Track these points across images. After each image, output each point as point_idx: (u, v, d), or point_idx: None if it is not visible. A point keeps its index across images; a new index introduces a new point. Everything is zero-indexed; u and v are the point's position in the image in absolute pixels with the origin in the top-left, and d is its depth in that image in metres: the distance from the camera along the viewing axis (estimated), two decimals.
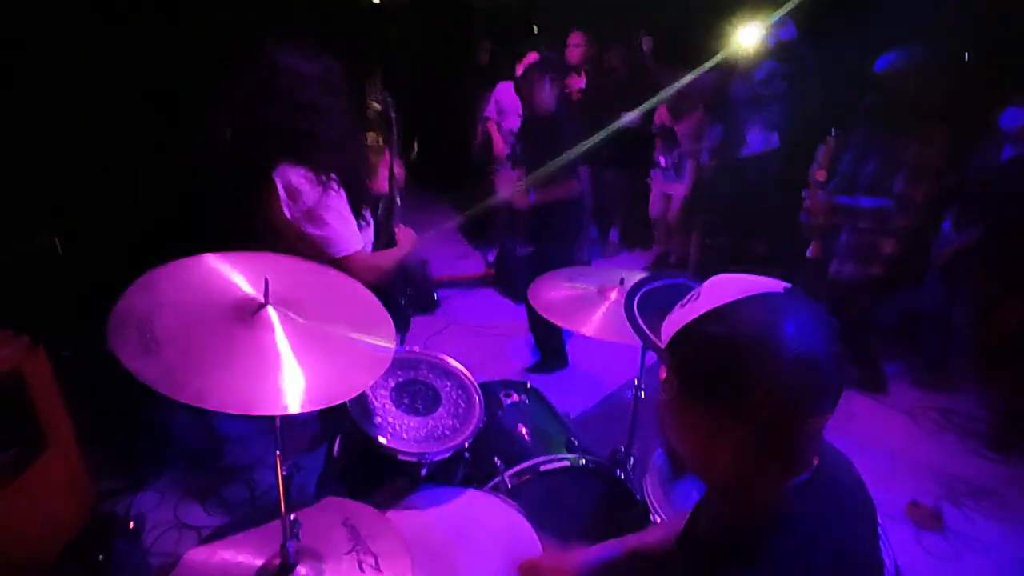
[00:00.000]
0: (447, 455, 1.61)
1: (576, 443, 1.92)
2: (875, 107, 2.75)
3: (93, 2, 2.63)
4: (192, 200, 2.36)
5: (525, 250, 4.68)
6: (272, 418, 1.16)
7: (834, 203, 2.76)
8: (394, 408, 1.67)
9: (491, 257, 4.92)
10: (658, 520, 1.67)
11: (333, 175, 1.69)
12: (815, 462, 0.76)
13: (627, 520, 1.75)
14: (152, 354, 1.01)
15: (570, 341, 3.46)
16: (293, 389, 1.04)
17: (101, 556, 2.08)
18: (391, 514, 1.48)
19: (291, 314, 1.15)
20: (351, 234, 1.74)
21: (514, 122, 4.56)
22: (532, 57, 4.45)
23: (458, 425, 1.67)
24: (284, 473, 1.17)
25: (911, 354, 3.53)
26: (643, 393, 1.92)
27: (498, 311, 4.14)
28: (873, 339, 3.34)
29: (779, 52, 3.71)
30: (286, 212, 1.68)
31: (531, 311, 3.26)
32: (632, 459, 1.95)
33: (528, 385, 2.13)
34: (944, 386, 3.29)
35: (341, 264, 1.72)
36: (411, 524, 1.46)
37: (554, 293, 1.88)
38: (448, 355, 1.88)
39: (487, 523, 1.52)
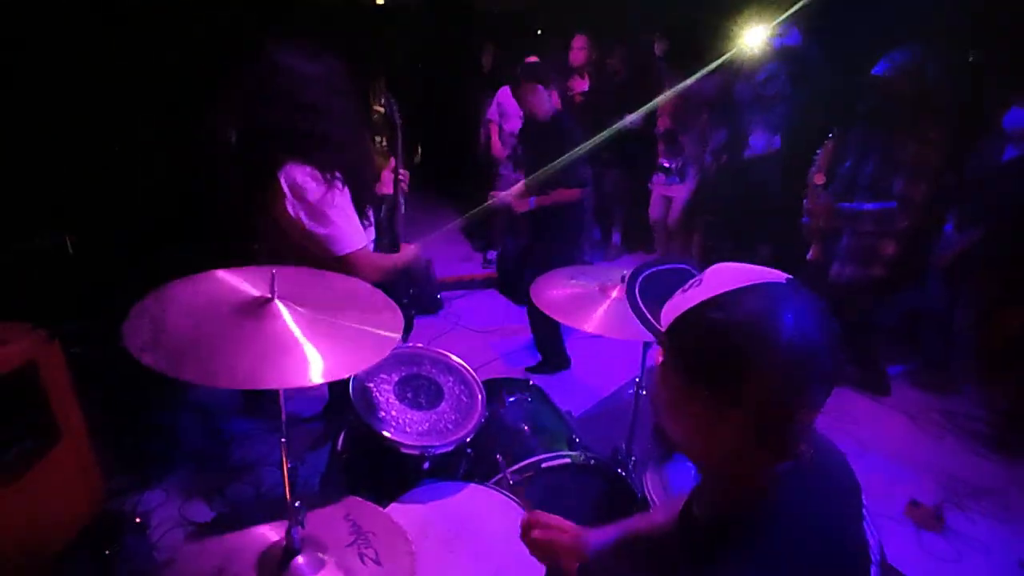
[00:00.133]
0: (449, 449, 1.64)
1: (578, 440, 1.94)
2: (873, 107, 2.77)
3: (95, 3, 2.67)
4: (196, 199, 2.41)
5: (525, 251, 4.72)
6: (278, 414, 1.19)
7: (836, 208, 2.78)
8: (397, 403, 1.70)
9: (491, 255, 4.97)
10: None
11: (337, 173, 1.72)
12: (803, 448, 0.77)
13: (627, 517, 1.77)
14: (162, 346, 1.04)
15: (572, 342, 3.47)
16: (314, 362, 1.08)
17: (108, 550, 2.12)
18: (393, 507, 1.50)
19: (297, 307, 1.18)
20: (354, 232, 1.77)
21: (515, 124, 4.59)
22: (534, 60, 4.50)
23: (460, 420, 1.70)
24: (289, 466, 1.20)
25: (913, 356, 3.53)
26: (644, 392, 1.94)
27: (501, 312, 4.16)
28: (875, 341, 3.35)
29: (781, 54, 3.73)
30: (290, 210, 1.71)
31: (532, 311, 3.29)
32: (633, 457, 1.97)
33: (531, 383, 2.15)
34: (946, 388, 3.29)
35: (344, 261, 1.76)
36: (413, 517, 1.48)
37: (556, 291, 1.90)
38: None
39: (488, 518, 1.54)
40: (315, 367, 1.07)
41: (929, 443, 2.94)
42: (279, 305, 1.17)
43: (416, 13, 5.58)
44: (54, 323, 1.92)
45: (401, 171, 2.27)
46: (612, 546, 1.07)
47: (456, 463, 1.73)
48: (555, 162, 2.99)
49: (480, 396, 1.78)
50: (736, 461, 0.75)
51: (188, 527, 2.29)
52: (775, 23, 3.68)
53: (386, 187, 2.29)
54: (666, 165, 4.41)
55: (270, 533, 1.24)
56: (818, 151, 2.77)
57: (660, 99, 4.23)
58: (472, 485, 1.61)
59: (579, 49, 4.53)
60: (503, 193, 3.28)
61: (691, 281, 0.77)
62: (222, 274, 1.25)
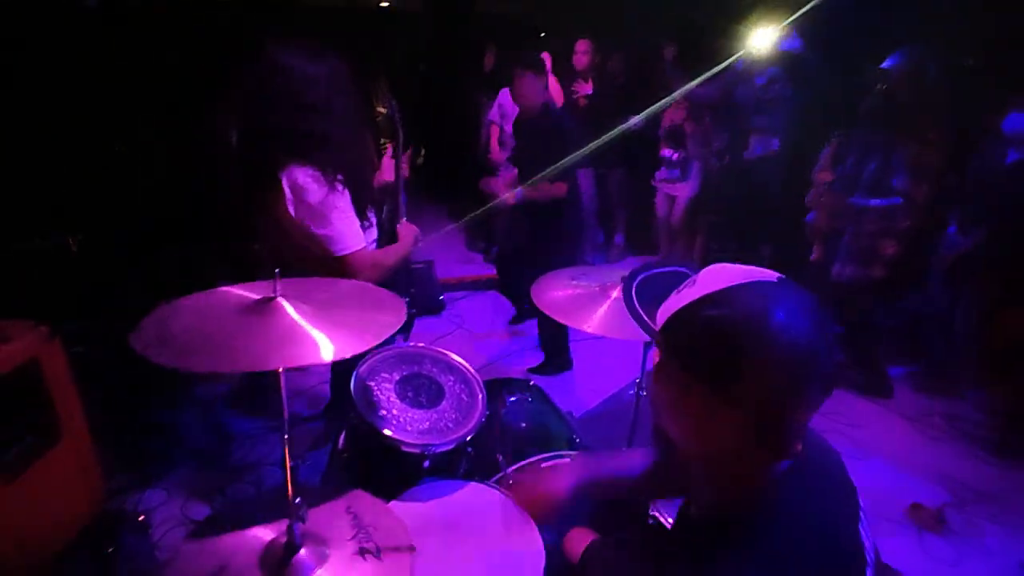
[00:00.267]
0: (450, 447, 1.64)
1: (578, 441, 1.94)
2: (874, 108, 2.78)
3: (101, 5, 2.69)
4: (197, 199, 2.42)
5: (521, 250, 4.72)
6: (279, 412, 1.19)
7: (846, 204, 2.78)
8: (398, 401, 1.70)
9: (495, 251, 4.98)
10: (658, 516, 1.69)
11: (339, 175, 1.73)
12: (799, 447, 0.77)
13: (627, 518, 1.77)
14: (168, 343, 1.05)
15: (573, 343, 3.47)
16: (323, 342, 1.10)
17: (110, 548, 2.13)
18: (393, 505, 1.50)
19: (300, 304, 1.19)
20: (353, 233, 1.78)
21: None
22: (545, 59, 4.51)
23: (461, 419, 1.70)
24: (291, 464, 1.21)
25: (916, 359, 3.52)
26: (644, 393, 1.94)
27: (503, 313, 4.17)
28: (877, 343, 3.35)
29: (783, 58, 3.75)
30: (291, 211, 1.72)
31: (538, 312, 3.29)
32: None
33: (531, 383, 2.15)
34: (949, 391, 3.28)
35: (343, 261, 1.76)
36: (413, 515, 1.48)
37: (557, 292, 1.90)
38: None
39: (488, 517, 1.54)
40: (324, 347, 1.09)
41: (931, 446, 2.94)
42: (282, 302, 1.18)
43: (419, 15, 5.60)
44: (56, 322, 1.93)
45: (402, 171, 2.28)
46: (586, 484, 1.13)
47: (456, 462, 1.73)
48: (544, 155, 3.00)
49: (481, 395, 1.78)
50: (734, 460, 0.76)
51: (190, 526, 2.30)
52: (778, 27, 3.70)
53: (387, 174, 2.29)
54: (667, 155, 4.41)
55: (271, 530, 1.24)
56: (823, 151, 2.79)
57: (663, 103, 4.24)
58: (472, 484, 1.61)
59: (582, 53, 4.55)
60: (494, 180, 3.29)
61: (686, 282, 0.78)
62: (225, 288, 1.27)
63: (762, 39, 3.76)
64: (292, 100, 1.68)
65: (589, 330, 1.72)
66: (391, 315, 1.25)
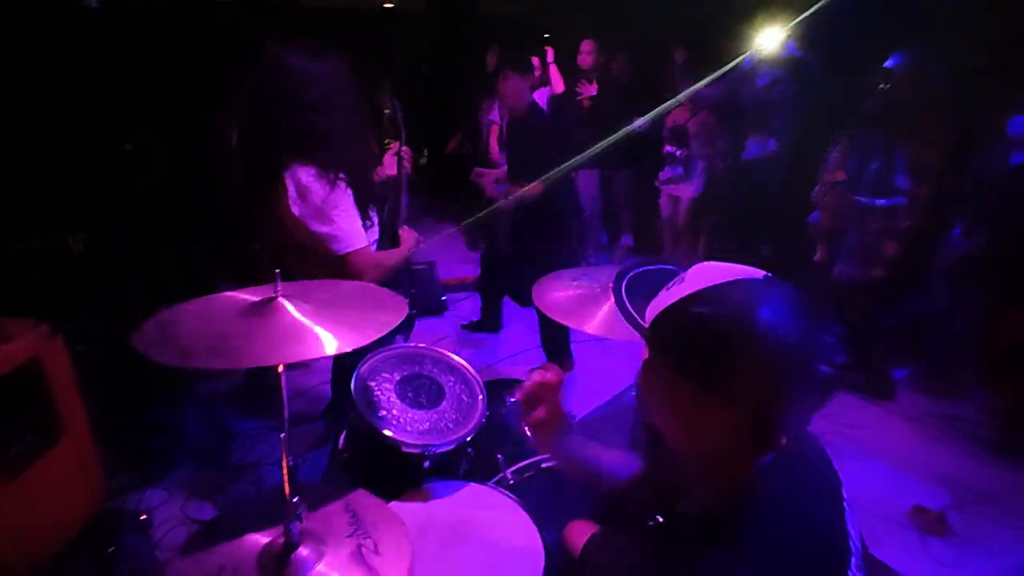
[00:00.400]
0: (450, 447, 1.64)
1: None
2: (875, 108, 2.78)
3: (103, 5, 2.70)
4: (198, 199, 2.42)
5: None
6: (279, 412, 1.19)
7: (853, 202, 2.78)
8: (399, 402, 1.70)
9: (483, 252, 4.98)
10: (658, 517, 1.68)
11: (341, 173, 1.73)
12: (783, 441, 0.78)
13: (628, 518, 1.76)
14: (170, 342, 1.05)
15: (575, 344, 3.47)
16: (326, 337, 1.10)
17: (111, 548, 2.13)
18: (393, 505, 1.50)
19: (302, 303, 1.19)
20: (356, 232, 1.78)
21: None
22: (535, 61, 4.51)
23: (461, 419, 1.70)
24: (290, 463, 1.21)
25: (917, 359, 3.51)
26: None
27: (506, 313, 4.17)
28: (879, 344, 3.34)
29: (785, 60, 3.75)
30: (295, 210, 1.72)
31: (540, 313, 3.29)
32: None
33: None
34: (951, 392, 3.27)
35: (345, 260, 1.77)
36: (412, 515, 1.48)
37: (558, 292, 1.90)
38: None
39: (488, 517, 1.53)
40: (327, 341, 1.10)
41: (932, 447, 2.93)
42: (283, 302, 1.18)
43: (422, 16, 5.61)
44: (58, 321, 1.94)
45: (404, 149, 2.29)
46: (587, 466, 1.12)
47: (456, 462, 1.73)
48: (530, 155, 3.04)
49: (481, 396, 1.78)
50: (722, 454, 0.76)
51: (191, 525, 2.30)
52: (782, 28, 3.70)
53: (389, 168, 2.30)
54: (670, 152, 4.41)
55: (270, 529, 1.24)
56: (832, 151, 2.78)
57: (668, 104, 4.24)
58: (472, 484, 1.61)
59: (587, 53, 4.55)
60: (485, 171, 3.30)
61: (674, 279, 0.79)
62: (227, 293, 1.27)
63: (766, 40, 3.76)
64: (293, 99, 1.69)
65: (590, 331, 1.72)
66: (392, 314, 1.25)
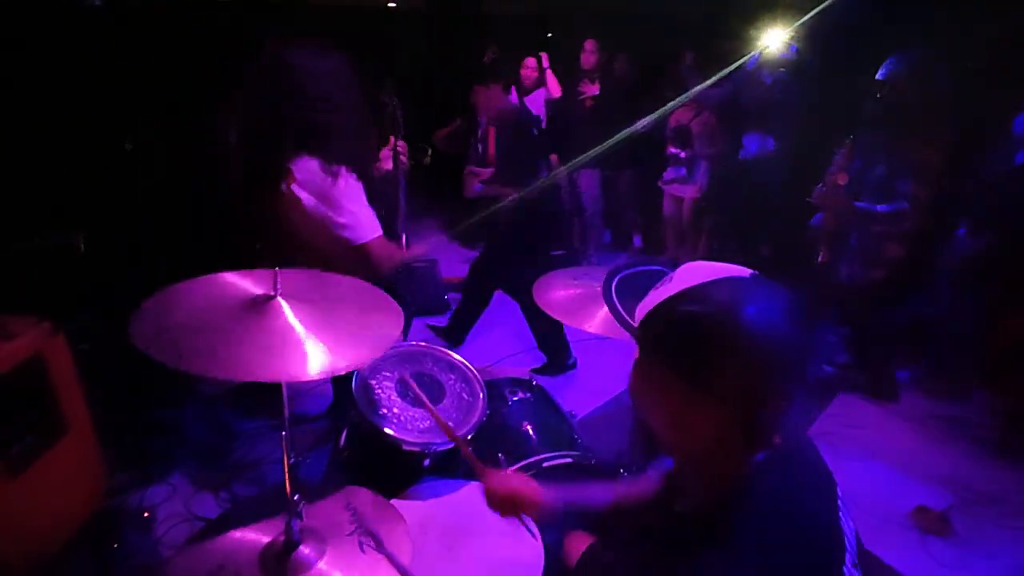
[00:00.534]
0: (451, 446, 1.64)
1: (579, 440, 1.94)
2: (877, 111, 2.77)
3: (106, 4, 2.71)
4: (201, 197, 2.43)
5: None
6: (281, 411, 1.20)
7: (853, 208, 2.78)
8: (399, 400, 1.71)
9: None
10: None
11: (348, 165, 1.75)
12: (776, 440, 0.78)
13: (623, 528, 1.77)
14: (165, 338, 1.05)
15: (576, 343, 3.47)
16: (317, 356, 1.09)
17: (114, 545, 2.14)
18: (394, 503, 1.50)
19: (300, 303, 1.19)
20: (371, 221, 1.80)
21: None
22: (532, 63, 4.51)
23: (462, 418, 1.70)
24: (291, 461, 1.21)
25: (922, 361, 3.50)
26: None
27: (508, 312, 4.17)
28: (883, 346, 3.33)
29: (787, 61, 3.75)
30: (306, 202, 1.73)
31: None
32: (636, 459, 1.96)
33: (534, 383, 2.15)
34: (954, 393, 3.26)
35: (361, 250, 1.78)
36: (413, 513, 1.49)
37: (558, 291, 1.90)
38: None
39: (488, 515, 1.53)
40: (314, 362, 1.08)
41: (935, 448, 2.92)
42: (281, 303, 1.18)
43: (424, 15, 5.60)
44: (61, 319, 1.95)
45: (400, 144, 2.30)
46: (590, 509, 1.09)
47: (457, 461, 1.73)
48: (508, 155, 3.14)
49: (481, 394, 1.78)
50: (714, 453, 0.77)
51: (193, 522, 2.31)
52: (786, 29, 3.70)
53: (385, 163, 2.31)
54: (674, 154, 4.41)
55: (271, 527, 1.25)
56: (837, 153, 2.78)
57: (672, 104, 4.24)
58: (473, 483, 1.61)
59: (590, 53, 4.54)
60: (479, 171, 3.31)
61: (663, 279, 0.81)
62: (226, 276, 1.27)
63: (770, 40, 3.76)
64: (296, 95, 1.70)
65: (591, 330, 1.72)
66: (388, 317, 1.24)
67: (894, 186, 2.73)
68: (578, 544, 1.31)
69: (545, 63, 4.59)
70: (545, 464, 1.74)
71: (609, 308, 0.92)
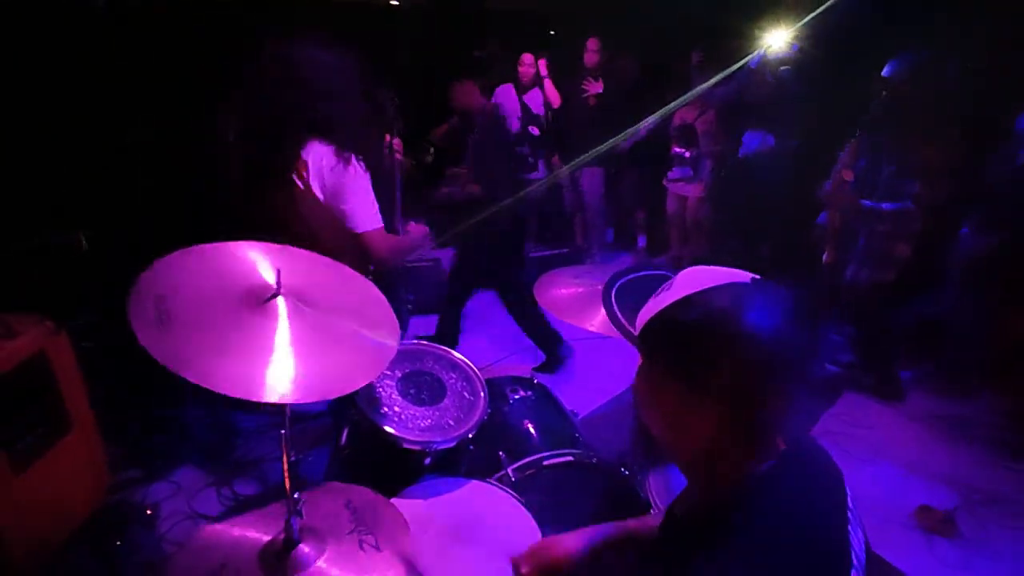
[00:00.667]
0: (451, 444, 1.64)
1: (581, 439, 1.94)
2: (882, 111, 2.75)
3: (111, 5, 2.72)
4: (203, 195, 2.43)
5: (535, 251, 4.72)
6: (282, 408, 1.20)
7: (859, 206, 2.76)
8: (400, 398, 1.71)
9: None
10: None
11: (357, 155, 1.76)
12: (781, 447, 0.78)
13: (629, 516, 1.76)
14: (164, 329, 1.04)
15: (578, 342, 3.47)
16: (287, 379, 1.07)
17: (118, 541, 2.15)
18: (394, 502, 1.50)
19: (301, 304, 1.18)
20: (374, 212, 1.82)
21: (514, 125, 4.59)
22: (529, 59, 4.50)
23: (463, 416, 1.70)
24: (292, 459, 1.21)
25: (929, 361, 3.48)
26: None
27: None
28: (890, 346, 3.31)
29: (788, 59, 3.74)
30: (315, 188, 1.74)
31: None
32: (638, 458, 1.96)
33: (535, 381, 2.15)
34: (962, 394, 3.24)
35: (362, 239, 1.79)
36: (413, 512, 1.48)
37: (560, 290, 1.90)
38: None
39: (489, 514, 1.53)
40: (300, 387, 1.07)
41: (942, 448, 2.90)
42: (281, 304, 1.16)
43: (426, 13, 5.59)
44: (65, 317, 1.95)
45: (395, 141, 2.31)
46: (602, 547, 1.08)
47: (458, 459, 1.73)
48: (479, 153, 3.18)
49: (483, 393, 1.78)
50: (711, 459, 0.77)
51: (196, 519, 2.32)
52: (790, 27, 3.68)
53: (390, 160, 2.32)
54: (679, 154, 4.40)
55: (271, 525, 1.25)
56: (843, 150, 2.76)
57: (676, 103, 4.23)
58: (474, 481, 1.61)
59: (593, 51, 4.52)
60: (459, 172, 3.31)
61: (663, 285, 0.81)
62: (236, 248, 1.25)
63: (774, 39, 3.74)
64: (308, 85, 1.72)
65: (592, 329, 1.71)
66: (384, 342, 1.23)
67: (901, 185, 2.71)
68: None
69: (544, 71, 4.55)
70: (546, 463, 1.74)
71: (608, 316, 0.92)
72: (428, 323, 3.85)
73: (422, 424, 1.66)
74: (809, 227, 3.04)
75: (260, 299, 1.16)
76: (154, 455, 2.57)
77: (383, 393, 1.70)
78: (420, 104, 3.62)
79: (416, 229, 2.11)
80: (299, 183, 1.75)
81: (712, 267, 0.80)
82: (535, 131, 4.58)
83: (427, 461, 1.64)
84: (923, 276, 2.99)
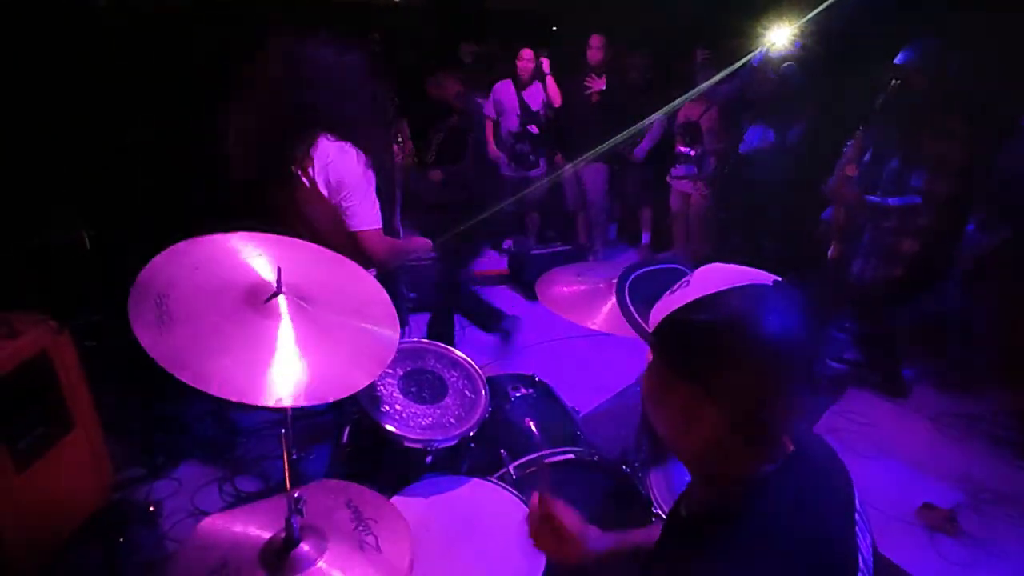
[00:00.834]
0: (452, 443, 1.64)
1: (582, 436, 1.93)
2: (888, 104, 2.72)
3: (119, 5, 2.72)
4: (207, 193, 2.43)
5: (538, 248, 4.72)
6: (283, 408, 1.19)
7: (864, 202, 2.74)
8: (402, 396, 1.70)
9: (507, 244, 5.02)
10: (661, 514, 1.67)
11: (367, 155, 1.76)
12: (790, 448, 0.77)
13: (631, 514, 1.76)
14: (164, 329, 1.04)
15: (580, 340, 3.46)
16: (287, 382, 1.07)
17: (120, 538, 2.16)
18: (395, 500, 1.50)
19: (302, 302, 1.18)
20: (374, 212, 1.81)
21: (513, 122, 4.57)
22: (528, 54, 4.48)
23: (464, 414, 1.70)
24: (294, 457, 1.21)
25: (934, 358, 3.46)
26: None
27: (513, 308, 4.16)
28: (895, 342, 3.29)
29: (791, 55, 3.72)
30: (320, 185, 1.74)
31: (445, 297, 3.33)
32: (640, 455, 1.95)
33: (536, 379, 2.15)
34: (967, 391, 3.22)
35: (358, 237, 1.79)
36: (415, 510, 1.48)
37: (562, 288, 1.89)
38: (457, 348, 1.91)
39: (490, 513, 1.53)
40: (301, 389, 1.06)
41: (948, 446, 2.88)
42: (282, 302, 1.16)
43: (427, 11, 5.58)
44: (66, 317, 1.96)
45: (398, 160, 2.31)
46: (614, 551, 1.07)
47: (459, 457, 1.73)
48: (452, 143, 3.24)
49: (484, 391, 1.78)
50: (717, 459, 0.76)
51: (198, 517, 2.32)
52: (794, 24, 3.66)
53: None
54: (684, 151, 4.39)
55: (272, 524, 1.24)
56: (847, 144, 2.73)
57: (679, 101, 4.21)
58: (475, 480, 1.61)
59: (596, 48, 4.50)
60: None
61: (680, 282, 0.79)
62: (237, 241, 1.24)
63: (777, 35, 3.72)
64: (320, 82, 1.72)
65: (594, 327, 1.71)
66: (384, 339, 1.22)
67: (907, 180, 2.69)
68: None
69: (546, 68, 4.53)
70: (547, 460, 1.74)
71: (622, 311, 0.90)
72: None
73: (423, 422, 1.65)
74: (813, 222, 3.02)
75: (261, 298, 1.16)
76: (157, 453, 2.57)
77: (384, 391, 1.70)
78: (420, 103, 3.62)
79: (420, 243, 2.12)
80: (304, 180, 1.75)
81: (731, 266, 0.78)
82: (534, 129, 4.57)
83: (428, 459, 1.63)
84: (929, 272, 2.97)
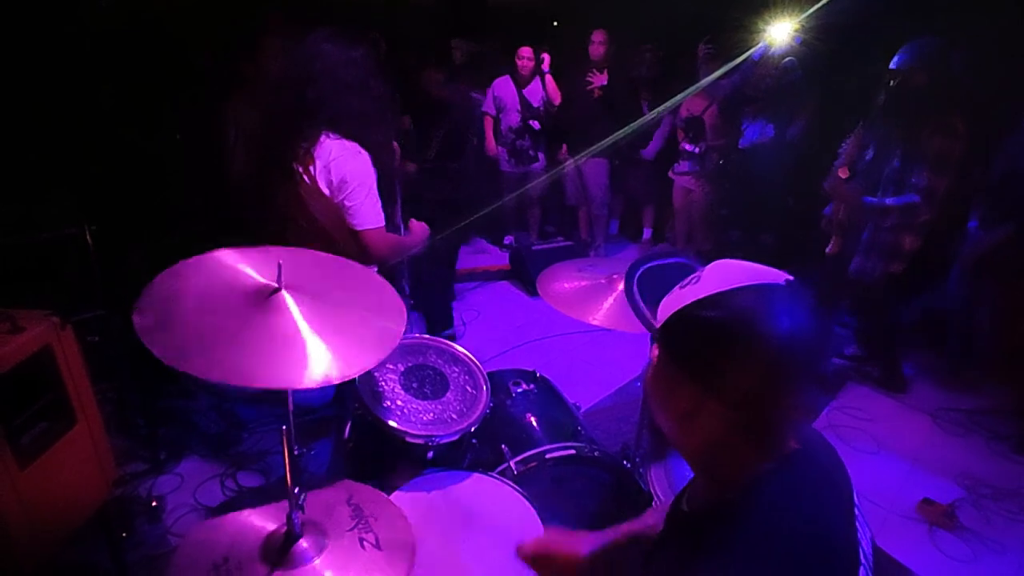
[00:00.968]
0: (454, 438, 1.64)
1: (583, 432, 1.94)
2: (892, 99, 2.71)
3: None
4: (209, 191, 2.43)
5: (539, 244, 4.72)
6: (286, 403, 1.20)
7: (861, 202, 2.74)
8: (403, 392, 1.71)
9: (508, 240, 5.04)
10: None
11: (370, 152, 1.76)
12: (792, 446, 0.77)
13: (631, 510, 1.76)
14: (167, 332, 1.05)
15: (581, 336, 3.46)
16: (318, 363, 1.07)
17: (124, 533, 2.17)
18: (396, 495, 1.51)
19: (304, 297, 1.18)
20: (376, 211, 1.81)
21: (513, 119, 4.56)
22: (527, 52, 4.47)
23: (465, 410, 1.70)
24: (296, 452, 1.21)
25: (933, 354, 3.47)
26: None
27: (515, 304, 4.17)
28: (895, 338, 3.29)
29: (792, 51, 3.71)
30: (321, 183, 1.74)
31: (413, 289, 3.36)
32: (641, 450, 1.96)
33: (538, 375, 2.15)
34: (967, 387, 3.23)
35: (360, 236, 1.79)
36: (416, 505, 1.49)
37: (563, 283, 1.89)
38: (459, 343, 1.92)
39: (492, 508, 1.54)
40: (317, 368, 1.06)
41: (948, 441, 2.89)
42: (286, 297, 1.16)
43: (428, 7, 5.56)
44: (70, 312, 1.96)
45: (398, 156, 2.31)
46: (609, 548, 1.07)
47: (460, 453, 1.73)
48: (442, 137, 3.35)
49: (485, 387, 1.78)
50: (719, 456, 0.76)
51: (201, 511, 2.34)
52: (794, 19, 3.65)
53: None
54: (688, 149, 4.38)
55: (273, 519, 1.25)
56: (843, 144, 2.73)
57: (679, 97, 4.21)
58: (476, 475, 1.62)
59: (598, 43, 4.49)
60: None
61: (690, 277, 0.79)
62: (231, 257, 1.25)
63: (777, 31, 3.71)
64: (330, 79, 1.72)
65: (595, 323, 1.71)
66: (392, 322, 1.23)
67: (908, 177, 2.68)
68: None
69: (545, 66, 4.50)
70: (548, 456, 1.74)
71: (631, 305, 0.89)
72: None
73: (425, 418, 1.66)
74: (813, 217, 3.01)
75: (262, 297, 1.16)
76: (159, 448, 2.58)
77: (386, 387, 1.71)
78: (420, 100, 3.61)
79: (417, 227, 2.11)
80: (306, 179, 1.75)
81: (743, 263, 0.78)
82: (536, 125, 4.56)
83: (430, 455, 1.64)
84: (929, 268, 2.97)
